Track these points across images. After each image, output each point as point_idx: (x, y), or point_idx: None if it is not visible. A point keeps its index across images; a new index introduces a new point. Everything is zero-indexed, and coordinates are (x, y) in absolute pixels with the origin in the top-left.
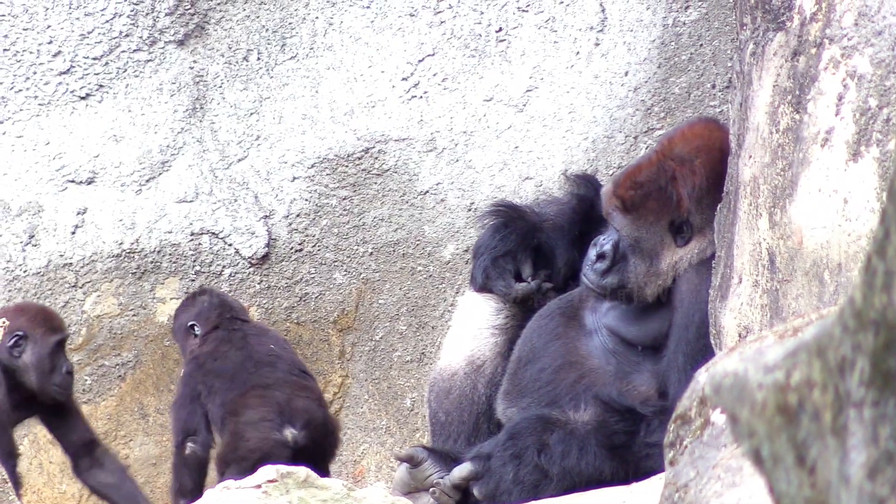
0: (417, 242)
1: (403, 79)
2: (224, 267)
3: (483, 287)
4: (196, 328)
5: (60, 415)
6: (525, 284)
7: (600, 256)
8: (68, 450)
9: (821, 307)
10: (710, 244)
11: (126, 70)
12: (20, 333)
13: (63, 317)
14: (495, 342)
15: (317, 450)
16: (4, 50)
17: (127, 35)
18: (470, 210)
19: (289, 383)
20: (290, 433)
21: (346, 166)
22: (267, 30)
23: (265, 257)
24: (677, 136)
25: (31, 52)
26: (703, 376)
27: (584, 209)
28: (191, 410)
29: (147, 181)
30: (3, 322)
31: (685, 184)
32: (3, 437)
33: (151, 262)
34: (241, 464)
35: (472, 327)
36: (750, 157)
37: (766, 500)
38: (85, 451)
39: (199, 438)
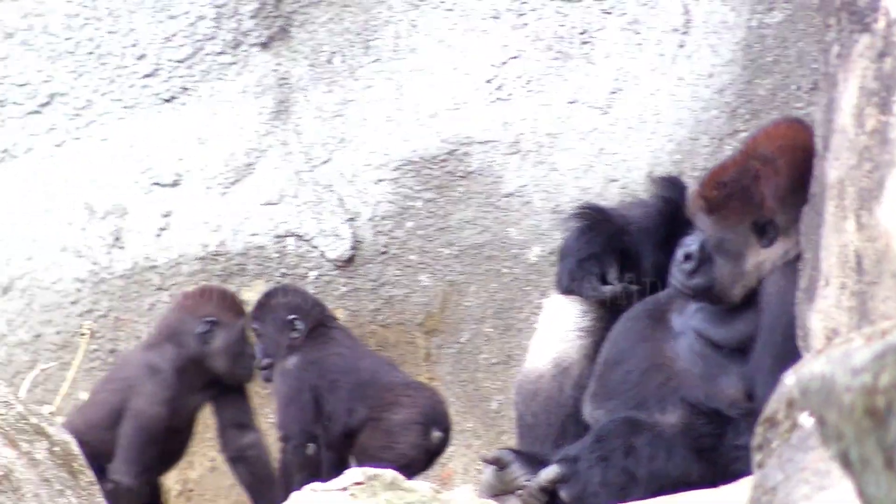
0: (503, 245)
1: (487, 81)
2: (309, 269)
3: (568, 290)
4: (297, 322)
5: (231, 393)
6: (611, 287)
7: (687, 257)
8: (223, 424)
9: None
10: (795, 245)
11: (210, 73)
12: (212, 320)
13: (148, 319)
14: (581, 344)
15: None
16: (89, 53)
17: (211, 38)
18: (555, 212)
19: (424, 388)
20: (436, 436)
21: (431, 168)
22: (350, 32)
23: (350, 259)
24: (761, 136)
25: (115, 56)
26: (790, 379)
27: (669, 211)
28: (309, 409)
29: (232, 183)
30: (88, 327)
31: (769, 184)
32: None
33: (236, 265)
34: (393, 462)
35: (558, 330)
36: (836, 159)
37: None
38: (237, 430)
39: (317, 440)
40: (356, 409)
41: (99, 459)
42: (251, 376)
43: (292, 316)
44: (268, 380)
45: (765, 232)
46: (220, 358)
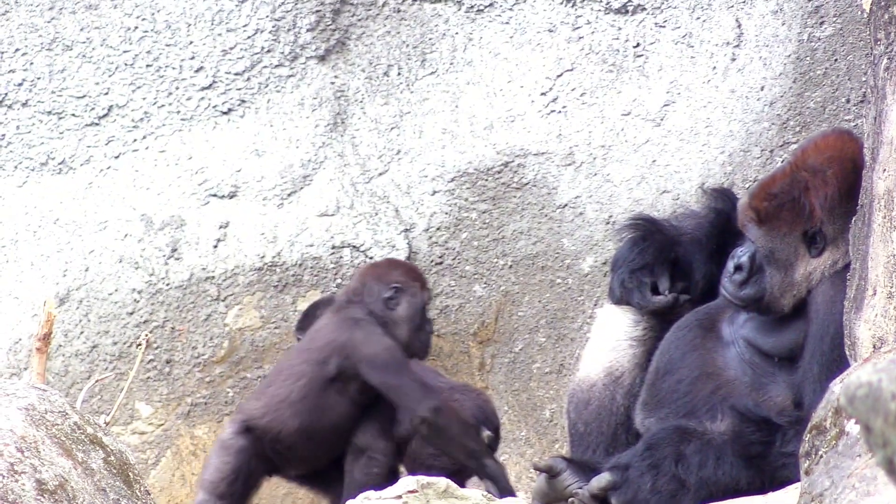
0: (556, 255)
1: (542, 93)
2: None
3: (620, 300)
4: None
5: None
6: (662, 297)
7: (738, 268)
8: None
9: None
10: (843, 255)
11: (268, 85)
12: (397, 286)
13: (205, 330)
14: (633, 353)
15: None
16: (147, 66)
17: (268, 51)
18: (608, 223)
19: (470, 390)
20: (486, 436)
21: (486, 180)
22: (407, 45)
23: None
24: (810, 148)
25: (173, 68)
26: (837, 387)
27: (721, 223)
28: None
29: (289, 195)
30: (145, 339)
31: (817, 194)
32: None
33: (293, 276)
34: (444, 468)
35: (610, 339)
36: (884, 170)
37: None
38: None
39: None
40: (405, 420)
41: (279, 443)
42: (427, 351)
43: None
44: None
45: (814, 242)
46: (403, 325)
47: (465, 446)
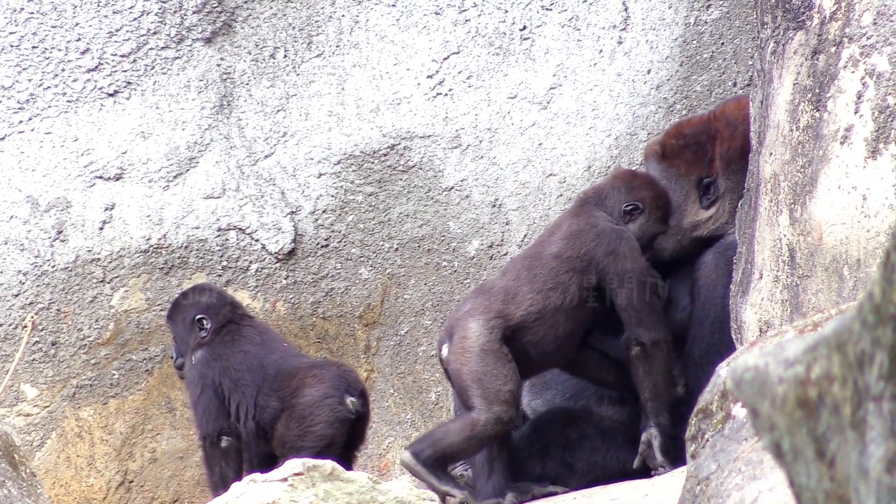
0: (442, 238)
1: (429, 76)
2: (251, 262)
3: None
4: (204, 321)
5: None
6: None
7: None
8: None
9: (840, 302)
10: (725, 216)
11: (154, 67)
12: (638, 205)
13: (90, 312)
14: None
15: (354, 434)
16: (33, 47)
17: (155, 32)
18: (494, 206)
19: (329, 363)
20: (350, 402)
21: (372, 163)
22: (294, 27)
23: (291, 253)
24: (732, 103)
25: (59, 50)
26: (724, 370)
27: None
28: (214, 405)
29: (175, 177)
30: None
31: (722, 145)
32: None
33: (179, 258)
34: (312, 447)
35: None
36: (770, 154)
37: (786, 493)
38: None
39: (231, 431)
40: (269, 405)
41: (538, 349)
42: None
43: (200, 315)
44: (182, 378)
45: (707, 191)
46: None
47: (658, 390)
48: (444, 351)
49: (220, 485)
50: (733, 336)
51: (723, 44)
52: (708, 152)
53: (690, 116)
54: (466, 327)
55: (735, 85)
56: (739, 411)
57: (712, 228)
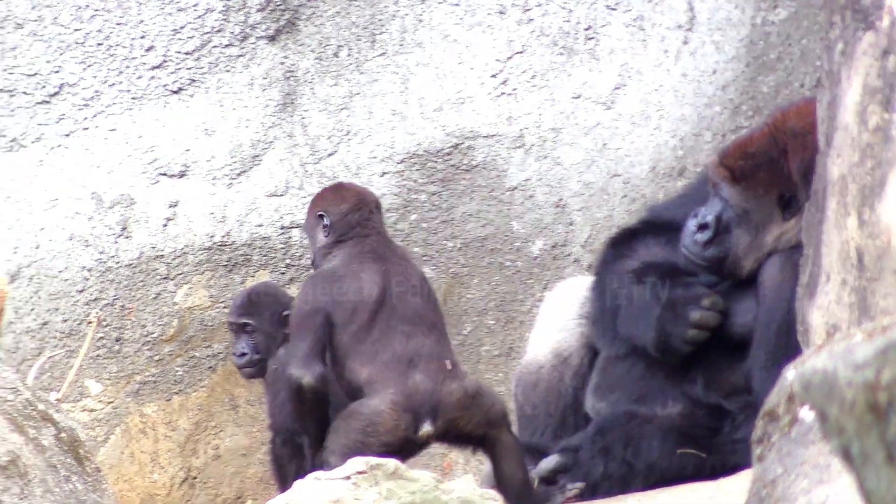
0: (505, 238)
1: (492, 76)
2: None
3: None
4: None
5: None
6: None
7: (702, 227)
8: None
9: None
10: (799, 231)
11: (218, 65)
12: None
13: (154, 308)
14: (581, 333)
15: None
16: (98, 44)
17: (219, 30)
18: (557, 206)
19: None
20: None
21: (435, 162)
22: (357, 26)
23: None
24: (791, 112)
25: (124, 47)
26: (791, 374)
27: None
28: None
29: (238, 175)
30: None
31: (796, 158)
32: None
33: (242, 255)
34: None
35: (558, 319)
36: (838, 156)
37: (854, 498)
38: None
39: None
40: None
41: None
42: None
43: (286, 312)
44: (252, 376)
45: (789, 206)
46: None
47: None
48: None
49: (287, 481)
50: (800, 339)
51: (790, 44)
52: (783, 168)
53: (747, 133)
54: None
55: (802, 86)
56: (806, 414)
57: (791, 239)
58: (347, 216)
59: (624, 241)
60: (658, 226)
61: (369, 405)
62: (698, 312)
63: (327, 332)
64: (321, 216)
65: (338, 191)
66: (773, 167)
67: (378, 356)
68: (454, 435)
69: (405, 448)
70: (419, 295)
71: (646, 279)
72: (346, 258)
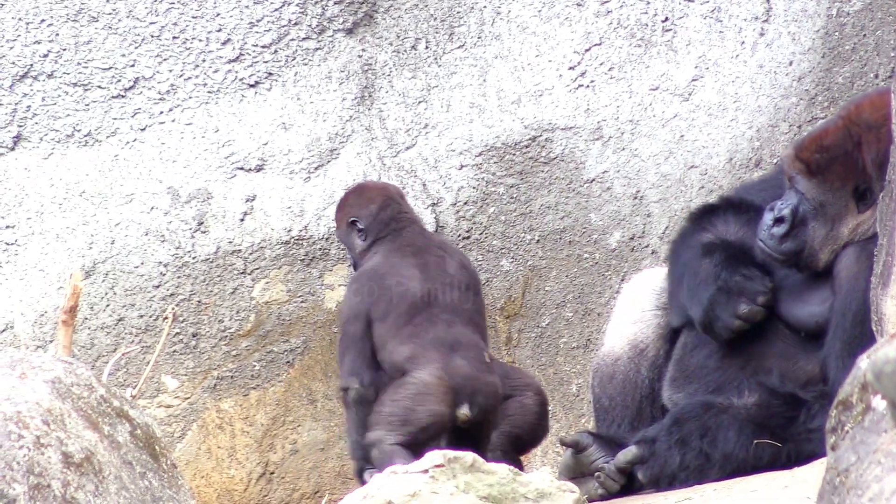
0: (584, 230)
1: (570, 68)
2: None
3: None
4: None
5: None
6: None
7: (778, 220)
8: None
9: None
10: (874, 222)
11: (295, 58)
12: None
13: (231, 303)
14: (657, 324)
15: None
16: (174, 38)
17: (296, 23)
18: (636, 198)
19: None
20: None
21: (514, 154)
22: (435, 18)
23: None
24: (865, 104)
25: (200, 41)
26: (864, 363)
27: None
28: None
29: (316, 168)
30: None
31: (870, 150)
32: None
33: (320, 249)
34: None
35: (634, 311)
36: None
37: None
38: None
39: None
40: None
41: None
42: None
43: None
44: None
45: (864, 198)
46: None
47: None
48: None
49: None
50: (874, 329)
51: (865, 35)
52: (857, 160)
53: (822, 126)
54: None
55: (877, 77)
56: (879, 403)
57: (868, 231)
58: (379, 215)
59: (704, 216)
60: (738, 205)
61: (416, 376)
62: (747, 307)
63: (370, 336)
64: (353, 222)
65: (361, 193)
66: (848, 160)
67: (420, 337)
68: (475, 431)
69: (446, 427)
70: (457, 287)
71: (713, 255)
72: (385, 253)
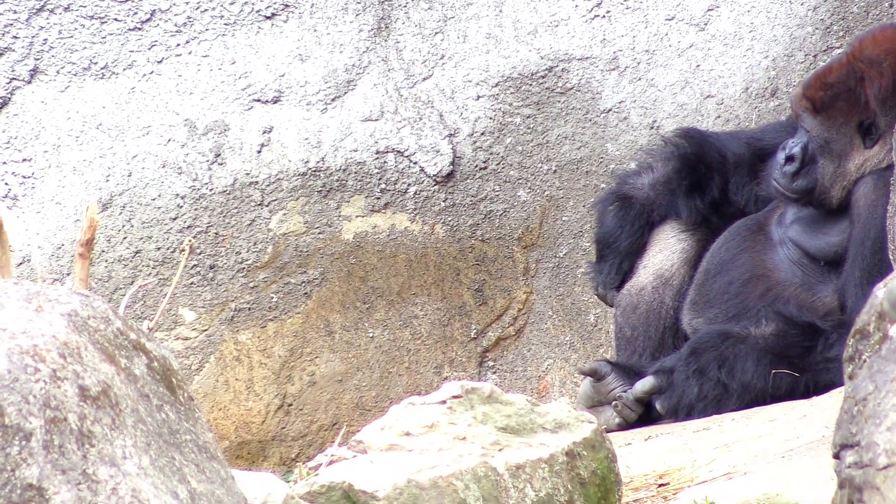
0: (600, 160)
1: None
2: (409, 185)
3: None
4: None
5: None
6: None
7: (789, 159)
8: None
9: None
10: (888, 153)
11: None
12: None
13: (249, 235)
14: (682, 248)
15: None
16: None
17: None
18: (652, 128)
19: None
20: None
21: (530, 85)
22: None
23: (450, 175)
24: (868, 39)
25: None
26: (881, 291)
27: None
28: None
29: (332, 100)
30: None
31: (872, 85)
32: None
33: (337, 181)
34: None
35: (659, 240)
36: None
37: None
38: None
39: None
40: None
41: None
42: None
43: None
44: None
45: (869, 133)
46: None
47: None
48: None
49: None
50: (891, 257)
51: None
52: (860, 96)
53: (827, 63)
54: None
55: (892, 6)
56: None
57: (877, 165)
58: None
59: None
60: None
61: None
62: None
63: None
64: None
65: None
66: (851, 96)
67: None
68: None
69: None
70: None
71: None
72: None
